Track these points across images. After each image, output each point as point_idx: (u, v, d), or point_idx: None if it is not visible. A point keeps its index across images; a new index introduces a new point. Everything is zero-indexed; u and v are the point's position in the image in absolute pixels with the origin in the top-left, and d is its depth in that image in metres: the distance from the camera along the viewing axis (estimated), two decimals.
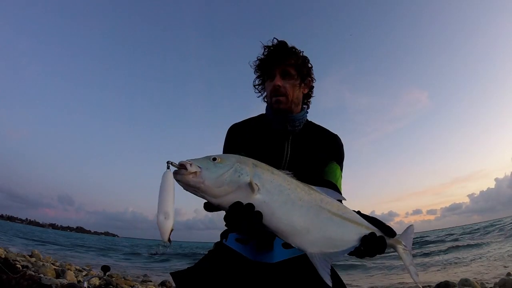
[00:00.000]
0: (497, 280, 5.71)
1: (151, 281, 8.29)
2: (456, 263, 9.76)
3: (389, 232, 0.88)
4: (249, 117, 1.31)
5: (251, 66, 1.25)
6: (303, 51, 1.21)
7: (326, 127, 1.32)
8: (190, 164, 0.75)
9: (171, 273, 1.04)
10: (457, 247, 14.34)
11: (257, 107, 1.36)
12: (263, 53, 1.20)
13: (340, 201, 0.90)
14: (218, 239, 1.19)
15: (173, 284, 0.98)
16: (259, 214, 0.75)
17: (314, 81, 1.27)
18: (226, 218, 0.77)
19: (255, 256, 1.02)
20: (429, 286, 6.14)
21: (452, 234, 25.94)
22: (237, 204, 0.74)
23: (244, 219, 0.74)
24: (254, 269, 1.00)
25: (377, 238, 0.84)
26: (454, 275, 7.42)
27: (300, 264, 1.03)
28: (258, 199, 0.77)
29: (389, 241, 0.88)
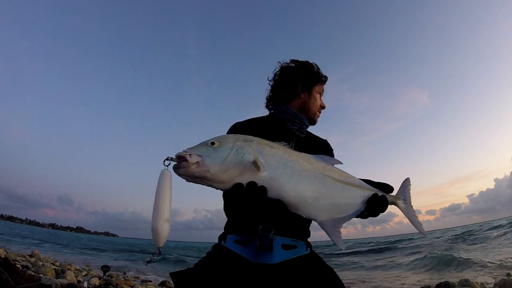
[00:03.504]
0: (497, 280, 5.71)
1: (151, 281, 8.29)
2: (455, 263, 9.75)
3: (388, 188, 0.95)
4: (251, 117, 1.31)
5: (309, 65, 1.30)
6: None
7: (327, 128, 1.36)
8: (190, 155, 0.71)
9: (170, 273, 1.04)
10: (456, 246, 14.34)
11: (256, 105, 1.39)
12: (316, 69, 1.29)
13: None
14: (217, 239, 1.19)
15: (173, 285, 0.98)
16: (263, 190, 0.76)
17: None
18: (231, 200, 0.78)
19: (254, 257, 1.02)
20: (429, 286, 6.14)
21: (451, 234, 25.93)
22: (239, 185, 0.75)
23: (248, 198, 0.74)
24: (253, 270, 1.00)
25: (380, 198, 0.90)
26: (454, 275, 7.42)
27: (300, 264, 1.03)
28: (264, 176, 0.77)
29: (389, 198, 0.93)
